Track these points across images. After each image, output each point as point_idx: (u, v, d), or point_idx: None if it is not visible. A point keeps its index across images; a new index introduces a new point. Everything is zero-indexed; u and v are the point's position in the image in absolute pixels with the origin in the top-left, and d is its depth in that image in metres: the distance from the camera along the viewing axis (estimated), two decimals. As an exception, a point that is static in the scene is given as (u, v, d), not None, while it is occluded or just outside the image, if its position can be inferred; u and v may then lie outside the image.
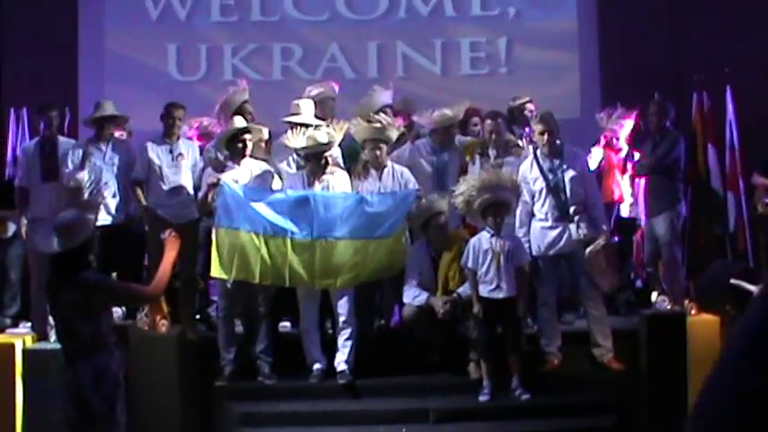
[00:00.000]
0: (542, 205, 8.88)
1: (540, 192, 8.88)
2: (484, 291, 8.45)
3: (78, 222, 6.16)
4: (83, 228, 6.14)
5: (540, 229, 8.90)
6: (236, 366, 8.86)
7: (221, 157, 9.29)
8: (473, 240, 8.56)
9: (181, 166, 9.62)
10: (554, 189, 8.82)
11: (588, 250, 8.64)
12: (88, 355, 5.97)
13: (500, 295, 8.40)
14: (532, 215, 8.94)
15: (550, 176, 8.85)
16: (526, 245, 8.86)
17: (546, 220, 8.88)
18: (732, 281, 7.07)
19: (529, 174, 8.94)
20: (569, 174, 8.82)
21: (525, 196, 8.91)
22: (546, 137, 8.84)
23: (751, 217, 11.21)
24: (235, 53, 13.27)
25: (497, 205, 8.50)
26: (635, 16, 12.69)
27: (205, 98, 11.76)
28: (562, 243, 8.84)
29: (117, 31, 13.18)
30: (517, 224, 8.98)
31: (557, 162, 8.87)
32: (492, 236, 8.48)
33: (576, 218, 8.76)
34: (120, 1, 13.26)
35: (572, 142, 9.43)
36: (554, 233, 8.85)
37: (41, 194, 9.61)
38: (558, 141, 8.96)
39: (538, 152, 8.96)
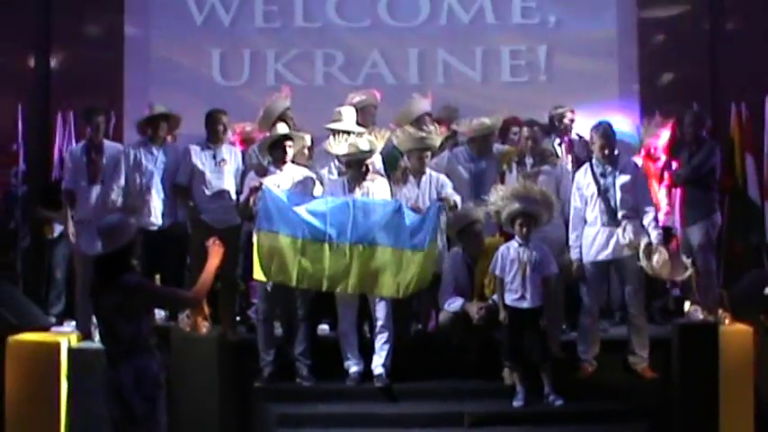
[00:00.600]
0: (592, 210, 9.02)
1: (592, 196, 9.01)
2: (509, 299, 8.61)
3: (121, 225, 6.32)
4: (125, 231, 6.30)
5: (589, 234, 9.04)
6: (275, 368, 9.03)
7: (264, 162, 9.49)
8: (502, 248, 8.72)
9: (224, 171, 9.77)
10: (604, 194, 8.95)
11: (641, 252, 8.72)
12: (129, 356, 6.13)
13: (524, 305, 8.56)
14: (585, 221, 9.08)
15: (602, 181, 8.98)
16: (577, 251, 9.03)
17: (595, 224, 9.01)
18: (767, 291, 7.17)
19: (583, 179, 9.11)
20: (621, 180, 8.94)
21: (577, 201, 9.09)
22: (604, 150, 8.98)
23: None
24: (278, 59, 13.42)
25: (525, 216, 8.64)
26: (674, 25, 12.80)
27: (248, 103, 11.98)
28: (610, 248, 8.94)
29: (162, 36, 13.37)
30: (570, 228, 9.15)
31: (609, 168, 8.99)
32: (520, 245, 8.64)
33: (624, 223, 8.87)
34: (165, 6, 13.42)
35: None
36: (602, 238, 8.96)
37: (87, 197, 9.77)
38: (615, 151, 9.10)
39: (593, 159, 9.09)
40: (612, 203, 8.92)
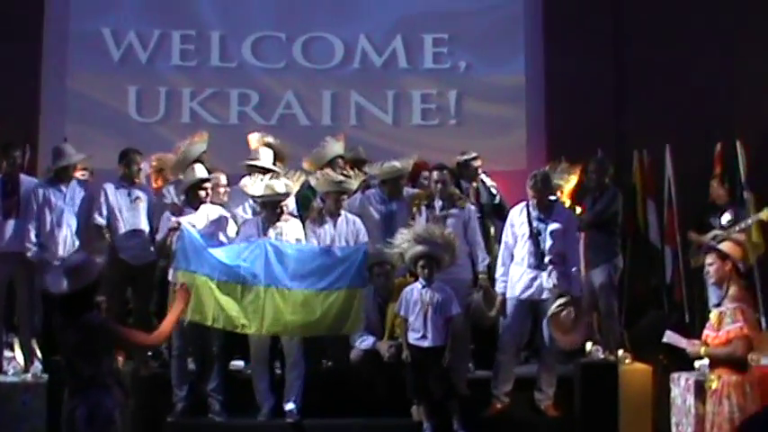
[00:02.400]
0: (521, 250, 9.26)
1: (522, 236, 9.26)
2: (412, 338, 8.82)
3: (86, 265, 6.38)
4: (90, 271, 6.36)
5: (515, 273, 9.27)
6: (188, 403, 9.14)
7: (178, 202, 9.62)
8: (406, 289, 8.96)
9: (139, 208, 9.87)
10: (535, 237, 9.20)
11: (554, 306, 8.98)
12: (85, 392, 6.19)
13: (425, 344, 8.78)
14: (512, 258, 9.33)
15: (535, 224, 9.23)
16: (503, 285, 9.27)
17: (522, 264, 9.24)
18: (665, 339, 7.43)
19: (517, 218, 9.36)
20: (553, 226, 9.19)
21: (509, 238, 9.34)
22: (537, 199, 9.25)
23: (687, 271, 11.62)
24: (193, 97, 13.49)
25: (427, 258, 8.89)
26: (581, 74, 13.04)
27: (163, 140, 12.07)
28: (533, 289, 9.18)
29: (79, 71, 13.34)
30: (498, 263, 9.39)
31: (544, 213, 9.26)
32: (423, 287, 8.88)
33: (550, 268, 9.13)
34: (83, 42, 13.40)
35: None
36: (527, 278, 9.21)
37: (3, 230, 9.72)
38: (551, 197, 9.41)
39: (530, 202, 9.32)
40: (541, 247, 9.19)
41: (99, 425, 6.24)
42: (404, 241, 8.95)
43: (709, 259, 7.16)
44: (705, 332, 7.12)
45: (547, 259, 9.15)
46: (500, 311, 9.33)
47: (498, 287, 9.34)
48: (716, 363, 6.97)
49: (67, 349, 6.30)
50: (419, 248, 8.88)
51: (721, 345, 6.87)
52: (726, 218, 10.86)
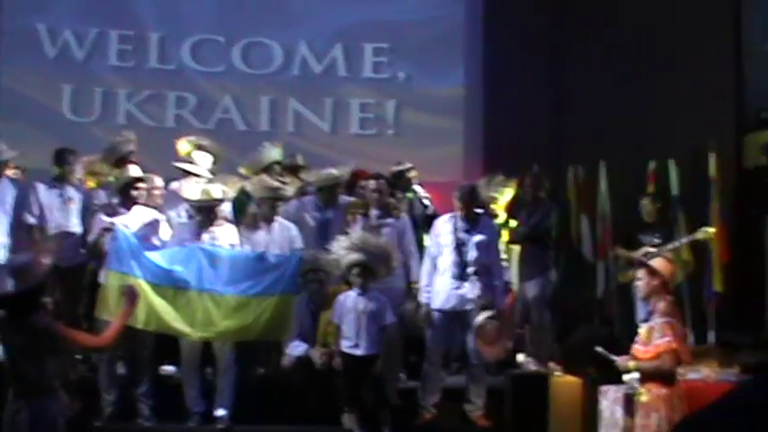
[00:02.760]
0: (446, 260, 9.26)
1: (447, 247, 9.26)
2: (345, 346, 8.79)
3: (31, 266, 6.28)
4: (35, 271, 6.26)
5: (439, 283, 9.27)
6: (117, 408, 9.03)
7: (113, 202, 9.54)
8: (341, 297, 8.93)
9: (70, 209, 9.80)
10: (459, 248, 9.20)
11: (478, 317, 9.00)
12: (30, 396, 6.12)
13: (357, 352, 8.75)
14: (436, 268, 9.32)
15: (460, 236, 9.24)
16: (427, 295, 9.27)
17: (445, 275, 9.24)
18: (596, 350, 7.51)
19: (442, 228, 9.36)
20: (477, 238, 9.21)
21: (433, 249, 9.34)
22: (463, 210, 9.28)
23: (618, 285, 11.73)
24: (130, 98, 13.45)
25: (363, 266, 8.87)
26: (519, 89, 13.14)
27: (97, 140, 11.95)
28: (457, 300, 9.18)
29: (13, 68, 13.24)
30: (422, 273, 9.38)
31: (470, 225, 9.28)
32: (358, 295, 8.85)
33: (474, 279, 9.16)
34: (17, 38, 13.29)
35: (453, 205, 9.85)
36: (451, 289, 9.20)
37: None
38: (477, 210, 9.44)
39: (457, 214, 9.34)
40: (465, 258, 9.21)
41: (42, 430, 6.18)
42: (340, 248, 8.94)
43: (639, 274, 7.26)
44: (634, 346, 7.21)
45: (470, 270, 9.18)
46: (426, 322, 9.34)
47: (422, 298, 9.34)
48: (646, 376, 7.05)
49: (12, 351, 6.20)
50: (355, 256, 8.87)
51: (650, 359, 6.95)
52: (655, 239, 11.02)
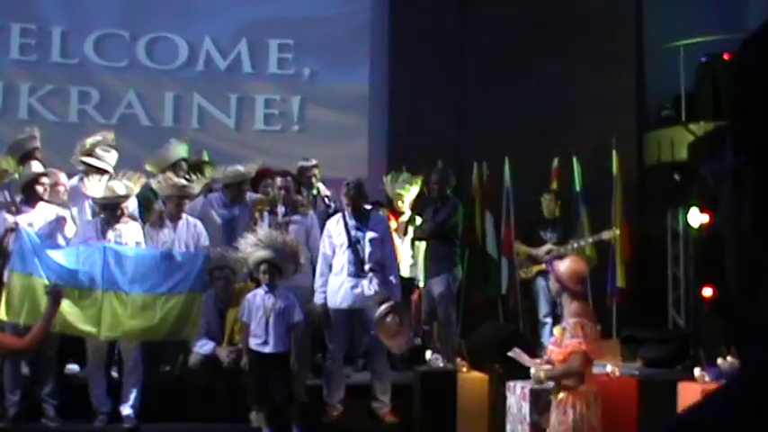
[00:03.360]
0: (340, 259, 9.33)
1: (341, 246, 9.32)
2: (253, 343, 8.77)
3: None
4: None
5: (335, 282, 9.33)
6: (21, 408, 8.92)
7: (16, 200, 9.42)
8: (249, 295, 8.92)
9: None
10: (354, 245, 9.27)
11: (378, 312, 9.06)
12: None
13: (266, 350, 8.74)
14: (330, 268, 9.38)
15: (353, 233, 9.31)
16: (322, 296, 9.32)
17: (341, 273, 9.31)
18: (511, 354, 7.62)
19: (334, 228, 9.41)
20: (370, 234, 9.30)
21: (326, 248, 9.38)
22: (353, 205, 9.36)
23: (521, 281, 11.91)
24: (32, 93, 13.26)
25: (270, 264, 8.85)
26: (424, 86, 13.24)
27: (-1, 135, 11.81)
28: (354, 298, 9.26)
29: None
30: (317, 273, 9.41)
31: (361, 222, 9.35)
32: (266, 293, 8.83)
33: (370, 275, 9.23)
34: None
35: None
36: (347, 287, 9.27)
37: None
38: (365, 206, 9.52)
39: (346, 211, 9.43)
40: (360, 255, 9.27)
41: None
42: (247, 246, 8.93)
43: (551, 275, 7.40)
44: (549, 347, 7.31)
45: (367, 267, 9.26)
46: (323, 322, 9.40)
47: (318, 298, 9.39)
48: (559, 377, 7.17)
49: None
50: (262, 253, 8.85)
51: (562, 360, 7.06)
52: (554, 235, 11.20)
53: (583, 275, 7.38)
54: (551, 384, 7.32)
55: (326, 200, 10.70)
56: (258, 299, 8.85)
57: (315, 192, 10.80)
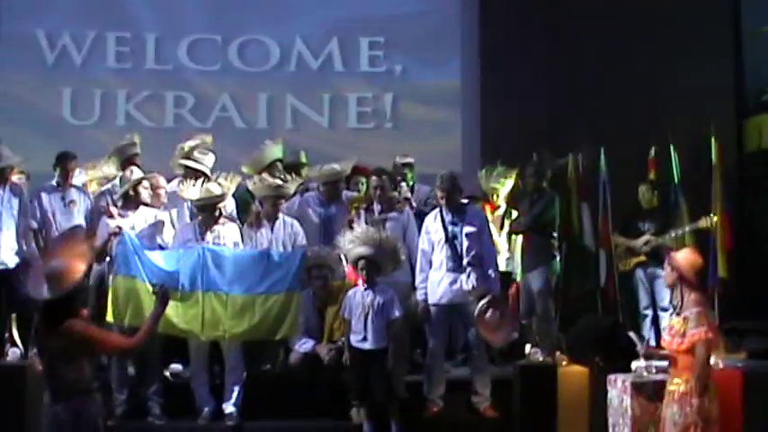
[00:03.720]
0: (439, 255, 9.32)
1: (439, 242, 9.31)
2: (353, 340, 8.84)
3: (67, 271, 6.24)
4: (72, 276, 6.23)
5: (435, 278, 9.33)
6: (128, 407, 9.13)
7: (117, 205, 9.60)
8: (350, 292, 8.97)
9: (73, 212, 9.93)
10: (451, 241, 9.26)
11: (478, 306, 9.04)
12: (70, 398, 6.13)
13: (366, 346, 8.79)
14: (431, 265, 9.38)
15: (450, 228, 9.30)
16: (423, 292, 9.33)
17: (440, 269, 9.30)
18: (628, 334, 7.61)
19: (432, 224, 9.41)
20: (467, 229, 9.26)
21: (425, 245, 9.38)
22: (446, 199, 9.32)
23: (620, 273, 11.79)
24: (128, 99, 13.48)
25: (368, 261, 8.88)
26: (516, 79, 13.17)
27: (98, 143, 12.05)
28: (453, 293, 9.24)
29: (12, 73, 13.28)
30: (417, 270, 9.43)
31: (458, 217, 9.34)
32: (365, 290, 8.88)
33: (469, 270, 9.23)
34: (16, 44, 13.33)
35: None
36: (447, 283, 9.26)
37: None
38: (462, 200, 9.50)
39: (443, 207, 9.41)
40: (458, 251, 9.27)
41: (83, 430, 6.21)
42: (346, 243, 8.98)
43: (665, 265, 7.34)
44: (666, 338, 7.24)
45: (465, 262, 9.24)
46: (423, 318, 9.40)
47: (418, 294, 9.40)
48: (681, 367, 7.09)
49: (51, 355, 6.22)
50: (359, 250, 8.89)
51: (686, 350, 6.99)
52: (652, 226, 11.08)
53: (700, 266, 7.32)
54: (648, 373, 7.29)
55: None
56: (358, 296, 8.89)
57: (409, 184, 10.80)
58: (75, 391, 6.20)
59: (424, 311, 9.36)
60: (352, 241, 8.94)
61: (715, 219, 11.20)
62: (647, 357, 7.84)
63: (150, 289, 8.40)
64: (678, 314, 7.27)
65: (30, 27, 13.41)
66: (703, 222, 10.97)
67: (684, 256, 7.26)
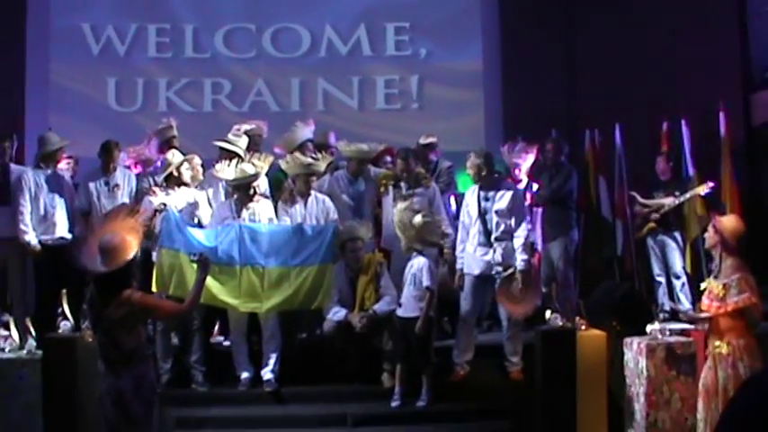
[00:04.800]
0: (473, 229, 9.36)
1: (473, 216, 9.35)
2: (398, 308, 8.97)
3: (123, 244, 6.29)
4: (127, 249, 6.29)
5: (469, 250, 9.37)
6: (173, 375, 9.22)
7: (160, 185, 9.65)
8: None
9: (117, 195, 10.01)
10: (483, 216, 9.28)
11: (500, 279, 9.10)
12: (129, 365, 6.17)
13: (400, 313, 8.91)
14: (467, 236, 9.40)
15: (483, 204, 9.30)
16: (461, 261, 9.39)
17: (473, 242, 9.33)
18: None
19: (470, 198, 9.44)
20: (498, 205, 9.25)
21: (465, 217, 9.43)
22: (480, 172, 9.31)
23: (635, 242, 11.77)
24: (169, 87, 13.63)
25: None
26: (535, 60, 13.19)
27: (141, 128, 12.07)
28: (483, 265, 9.27)
29: (61, 65, 13.43)
30: (457, 241, 9.48)
31: (491, 193, 9.33)
32: (408, 259, 8.99)
33: (495, 244, 9.23)
34: (64, 37, 13.47)
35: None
36: (478, 255, 9.30)
37: (-3, 216, 9.82)
38: (495, 175, 9.51)
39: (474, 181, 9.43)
40: (489, 226, 9.27)
41: (145, 395, 6.29)
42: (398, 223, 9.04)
43: (708, 228, 7.34)
44: (706, 302, 7.22)
45: (494, 237, 9.25)
46: (458, 286, 9.43)
47: (457, 264, 9.46)
48: (722, 329, 7.07)
49: (110, 324, 6.23)
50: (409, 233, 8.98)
51: (730, 313, 6.97)
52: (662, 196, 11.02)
53: (742, 233, 7.29)
54: (659, 336, 7.28)
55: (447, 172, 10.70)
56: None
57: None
58: (135, 357, 6.25)
59: (461, 280, 9.39)
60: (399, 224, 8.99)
61: (710, 184, 11.00)
62: (691, 322, 7.84)
63: (190, 258, 8.41)
64: (716, 278, 7.25)
65: (76, 21, 13.55)
66: (700, 189, 10.86)
67: (729, 221, 7.25)
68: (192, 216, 9.37)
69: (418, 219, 9.04)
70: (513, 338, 9.48)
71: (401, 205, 9.13)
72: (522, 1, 13.51)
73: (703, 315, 7.32)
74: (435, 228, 9.13)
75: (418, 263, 8.92)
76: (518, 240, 9.29)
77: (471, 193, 9.47)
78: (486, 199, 9.32)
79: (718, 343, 7.09)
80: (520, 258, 9.25)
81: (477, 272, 9.32)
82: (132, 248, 6.32)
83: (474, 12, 13.90)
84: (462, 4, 13.88)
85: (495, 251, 9.23)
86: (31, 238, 9.72)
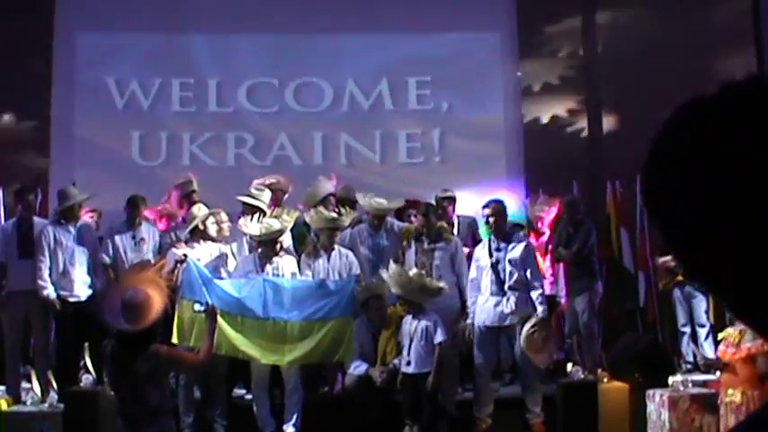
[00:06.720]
0: (485, 279, 9.36)
1: (485, 268, 9.35)
2: (401, 365, 8.96)
3: (148, 301, 6.27)
4: (152, 306, 6.28)
5: (481, 301, 9.36)
6: (195, 429, 9.21)
7: (182, 239, 9.71)
8: (404, 320, 9.09)
9: (143, 249, 10.04)
10: (495, 266, 9.29)
11: (525, 328, 9.06)
12: (154, 419, 6.14)
13: (409, 370, 8.87)
14: (479, 289, 9.41)
15: (495, 255, 9.32)
16: (471, 315, 9.38)
17: (485, 293, 9.33)
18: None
19: (480, 251, 9.47)
20: (511, 254, 9.27)
21: (473, 272, 9.44)
22: (493, 221, 9.37)
23: (658, 294, 11.73)
24: (192, 141, 13.66)
25: (401, 299, 9.06)
26: (556, 113, 13.23)
27: (165, 181, 12.05)
28: (497, 316, 9.26)
29: (86, 118, 13.48)
30: (468, 295, 9.48)
31: (503, 244, 9.36)
32: (412, 317, 8.99)
33: (509, 294, 9.22)
34: (89, 91, 13.55)
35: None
36: (491, 305, 9.29)
37: (18, 270, 9.86)
38: (506, 226, 9.53)
39: (491, 234, 9.47)
40: (502, 276, 9.29)
41: None
42: (388, 278, 9.05)
43: None
44: (721, 348, 7.19)
45: (507, 286, 9.25)
46: (469, 339, 9.43)
47: (470, 317, 9.46)
48: (738, 377, 7.03)
49: (137, 379, 6.16)
50: (394, 290, 9.03)
51: (740, 359, 6.93)
52: None
53: None
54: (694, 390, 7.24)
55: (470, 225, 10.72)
56: (406, 324, 9.02)
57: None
58: (159, 410, 6.22)
59: (471, 333, 9.37)
60: (387, 280, 9.01)
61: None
62: (708, 368, 7.80)
63: (195, 309, 8.34)
64: (732, 324, 7.22)
65: (101, 75, 13.62)
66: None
67: None
68: (218, 270, 9.40)
69: (414, 271, 9.10)
70: (531, 389, 9.44)
71: (391, 271, 9.13)
72: (542, 53, 13.55)
73: (719, 362, 7.28)
74: (430, 278, 9.15)
75: (427, 319, 8.92)
76: (536, 292, 9.29)
77: (482, 247, 9.51)
78: (498, 249, 9.34)
79: (731, 391, 7.05)
80: (540, 308, 9.23)
81: (489, 322, 9.32)
82: (157, 305, 6.31)
83: (494, 66, 13.95)
84: (483, 57, 13.92)
85: (508, 300, 9.23)
86: (50, 292, 9.72)
